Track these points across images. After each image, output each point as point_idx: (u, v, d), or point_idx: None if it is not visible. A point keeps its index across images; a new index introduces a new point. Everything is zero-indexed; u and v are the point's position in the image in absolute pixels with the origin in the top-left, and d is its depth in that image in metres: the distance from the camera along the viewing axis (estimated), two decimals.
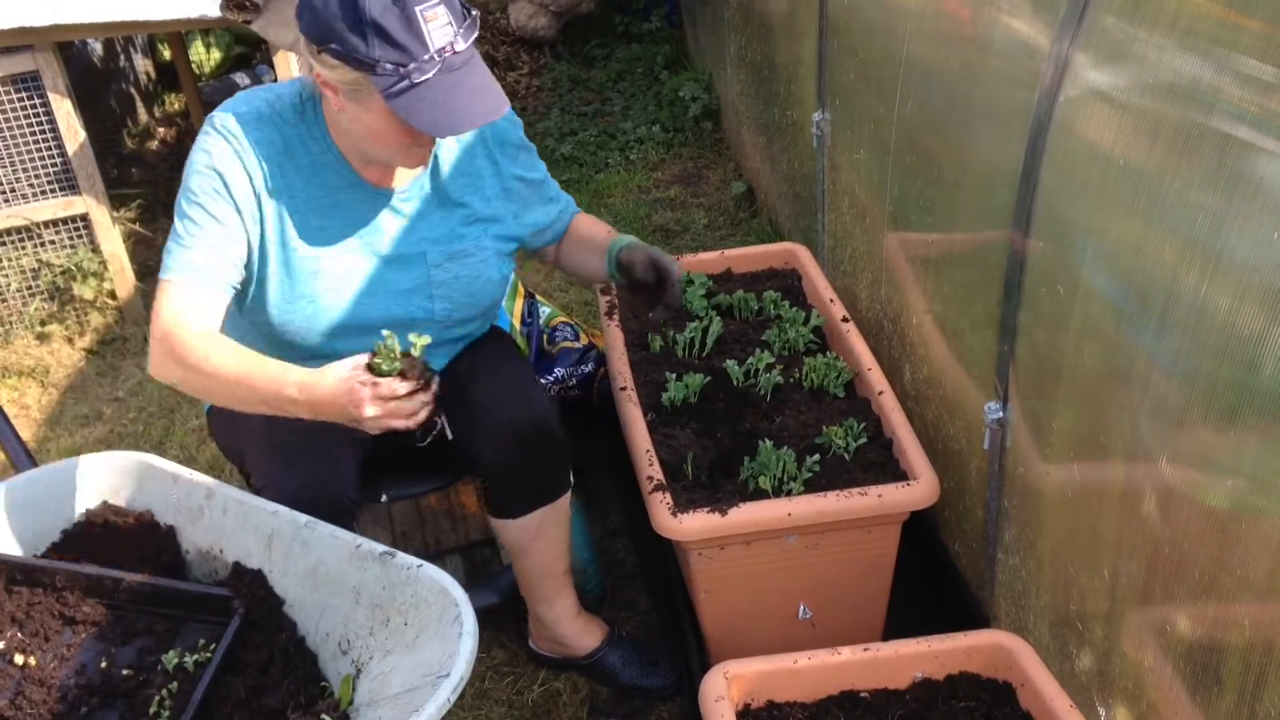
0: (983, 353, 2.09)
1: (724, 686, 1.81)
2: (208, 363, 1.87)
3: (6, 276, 3.71)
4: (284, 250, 2.05)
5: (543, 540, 2.33)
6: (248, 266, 2.04)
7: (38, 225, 3.66)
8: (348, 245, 2.09)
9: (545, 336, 3.09)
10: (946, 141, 2.24)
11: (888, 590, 2.32)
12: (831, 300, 2.71)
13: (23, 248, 3.69)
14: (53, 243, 3.70)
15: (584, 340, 3.08)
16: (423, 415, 1.80)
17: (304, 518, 1.94)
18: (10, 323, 3.77)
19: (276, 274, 2.06)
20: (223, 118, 2.01)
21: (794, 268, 2.95)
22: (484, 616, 2.61)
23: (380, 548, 1.85)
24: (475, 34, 1.90)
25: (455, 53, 1.85)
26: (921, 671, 1.86)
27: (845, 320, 2.63)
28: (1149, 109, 1.56)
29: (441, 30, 1.83)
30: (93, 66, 4.94)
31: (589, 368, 3.02)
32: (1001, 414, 2.03)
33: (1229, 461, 1.38)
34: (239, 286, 2.03)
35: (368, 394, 1.75)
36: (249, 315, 2.12)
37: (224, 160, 1.98)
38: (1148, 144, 1.54)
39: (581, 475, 2.77)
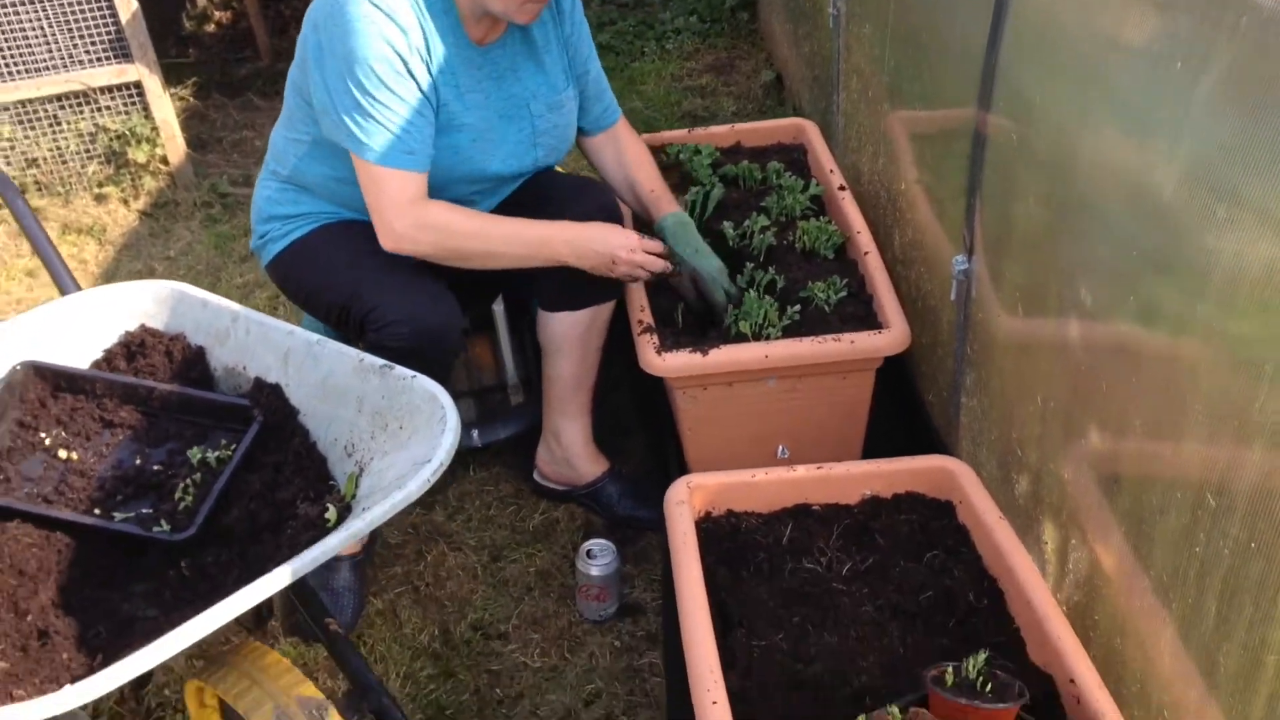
0: (955, 212, 2.21)
1: (686, 493, 1.99)
2: (481, 229, 2.24)
3: (66, 140, 3.94)
4: (439, 107, 2.22)
5: (587, 344, 2.52)
6: None
7: (94, 91, 3.86)
8: (474, 100, 2.26)
9: None
10: (928, 17, 2.33)
11: (862, 435, 2.47)
12: (831, 171, 2.83)
13: (80, 112, 3.91)
14: (108, 108, 3.91)
15: None
16: (647, 276, 2.33)
17: (315, 336, 2.13)
18: (70, 184, 4.01)
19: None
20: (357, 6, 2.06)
21: (801, 143, 3.06)
22: (493, 454, 2.85)
23: (380, 361, 2.04)
24: None
25: None
26: (871, 489, 2.03)
27: (842, 189, 2.76)
28: None
29: None
30: None
31: None
32: (967, 265, 2.15)
33: (1140, 308, 1.50)
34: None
35: (637, 242, 2.27)
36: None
37: (393, 36, 2.08)
38: (1094, 14, 1.63)
39: None
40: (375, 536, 2.63)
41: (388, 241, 2.20)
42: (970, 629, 1.77)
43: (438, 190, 2.27)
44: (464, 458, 2.86)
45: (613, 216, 2.44)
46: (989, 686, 1.55)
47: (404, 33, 2.09)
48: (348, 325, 2.35)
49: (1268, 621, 1.25)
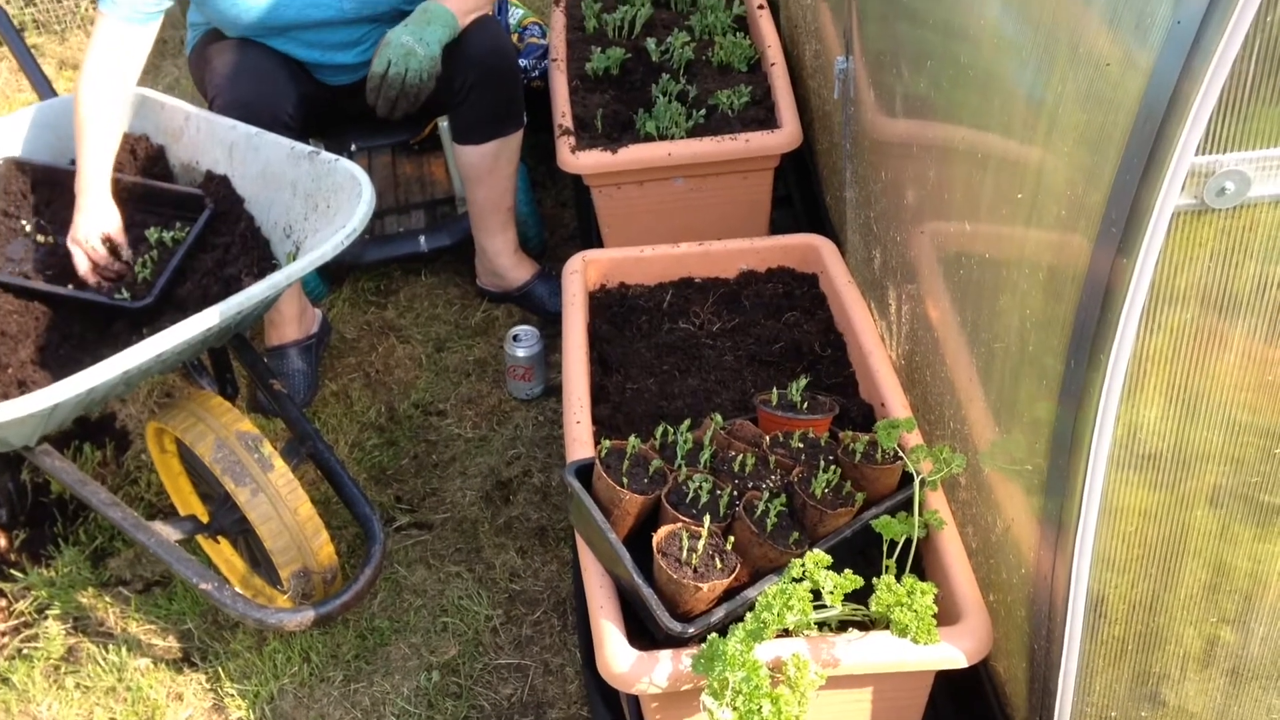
0: (840, 19, 2.40)
1: (581, 265, 2.24)
2: (79, 115, 2.34)
3: None
4: None
5: (497, 172, 2.74)
6: None
7: None
8: None
9: (516, 35, 3.43)
10: None
11: (765, 233, 2.70)
12: None
13: None
14: None
15: (549, 37, 3.41)
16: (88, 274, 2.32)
17: (253, 130, 2.38)
18: (65, 22, 4.24)
19: None
20: None
21: None
22: (444, 262, 3.11)
23: (309, 148, 2.29)
24: None
25: None
26: (747, 264, 2.27)
27: (761, 8, 2.94)
28: None
29: None
30: None
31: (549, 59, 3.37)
32: (846, 65, 2.35)
33: (974, 97, 1.70)
34: (163, 7, 2.38)
35: (91, 237, 2.30)
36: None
37: None
38: None
39: (538, 155, 3.19)
40: (329, 329, 2.91)
41: None
42: (813, 373, 2.03)
43: (252, 35, 2.55)
44: (416, 265, 3.13)
45: (503, 57, 2.60)
46: (806, 405, 1.82)
47: None
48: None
49: (992, 319, 1.50)
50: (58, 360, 2.27)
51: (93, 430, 2.71)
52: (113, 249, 2.33)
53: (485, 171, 2.73)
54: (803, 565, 1.47)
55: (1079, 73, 1.19)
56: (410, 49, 2.40)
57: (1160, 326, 1.13)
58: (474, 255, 2.97)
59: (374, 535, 2.16)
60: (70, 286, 2.34)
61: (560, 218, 3.29)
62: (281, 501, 2.08)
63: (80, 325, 2.33)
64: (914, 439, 1.73)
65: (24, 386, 2.20)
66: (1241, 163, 1.03)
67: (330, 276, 3.09)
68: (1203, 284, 1.10)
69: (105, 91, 2.36)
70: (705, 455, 1.70)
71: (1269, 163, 1.03)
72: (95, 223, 2.32)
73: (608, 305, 2.23)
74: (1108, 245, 1.12)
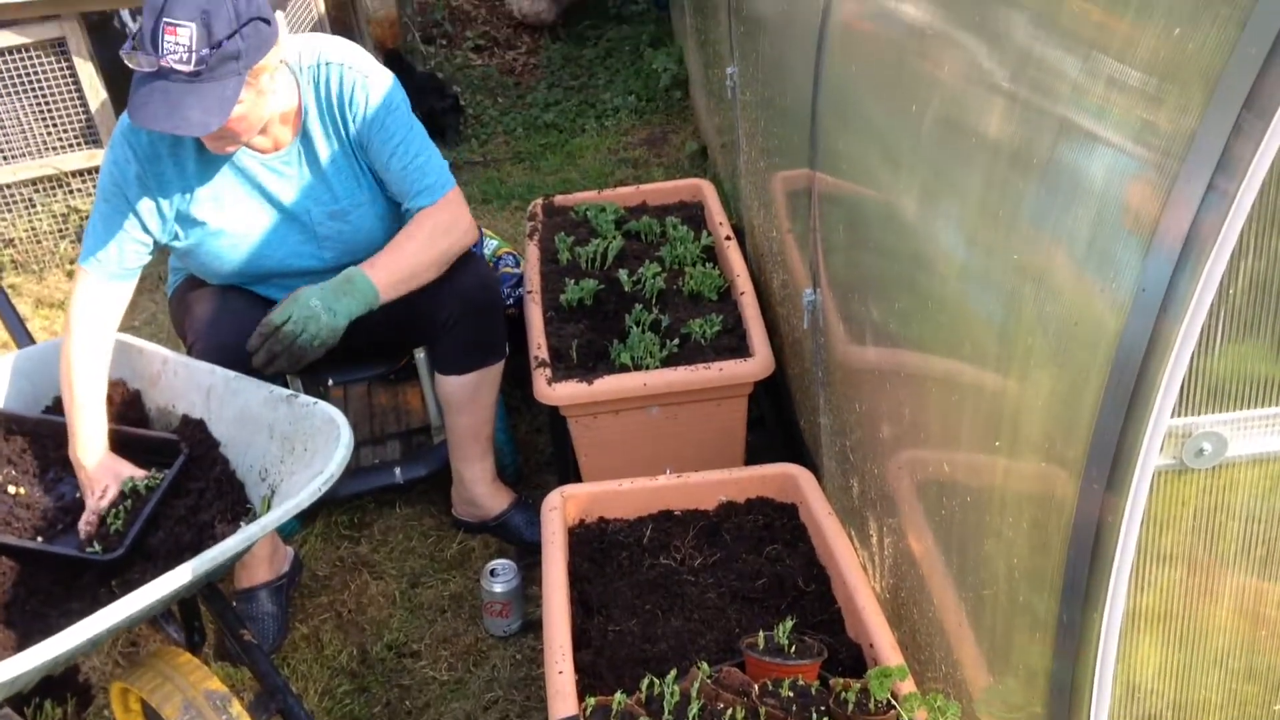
0: (806, 253, 2.48)
1: (560, 501, 2.22)
2: (65, 362, 2.39)
3: (40, 220, 4.24)
4: (189, 222, 2.50)
5: (477, 401, 2.74)
6: (156, 244, 2.49)
7: (66, 175, 4.17)
8: (243, 208, 2.52)
9: (491, 264, 3.51)
10: (779, 85, 2.63)
11: (741, 457, 2.71)
12: (721, 223, 3.11)
13: (54, 195, 4.22)
14: (79, 190, 4.22)
15: (523, 268, 3.50)
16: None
17: (232, 374, 2.39)
18: (44, 262, 4.30)
19: (186, 239, 2.52)
20: (122, 121, 2.38)
21: (699, 200, 3.35)
22: (419, 492, 3.09)
23: (286, 392, 2.29)
24: (214, 64, 2.15)
25: (175, 69, 2.13)
26: (726, 495, 2.26)
27: (728, 239, 3.03)
28: (880, 43, 1.92)
29: (173, 46, 2.13)
30: (123, 36, 5.47)
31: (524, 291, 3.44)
32: (814, 297, 2.41)
33: (902, 311, 1.75)
34: (144, 263, 2.48)
35: (94, 500, 2.29)
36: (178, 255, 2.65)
37: (120, 171, 2.39)
38: (872, 70, 1.91)
39: (513, 381, 3.21)
40: (300, 566, 2.86)
41: None
42: (798, 610, 1.99)
43: (233, 282, 2.63)
44: (391, 497, 3.10)
45: (486, 293, 2.64)
46: (794, 648, 1.77)
47: (134, 161, 2.38)
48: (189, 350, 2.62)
49: (978, 564, 1.49)
50: (23, 616, 2.20)
51: (54, 685, 2.60)
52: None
53: (466, 400, 2.74)
54: None
55: (1048, 328, 1.22)
56: (315, 314, 2.36)
57: (1150, 584, 1.12)
58: (450, 484, 2.96)
59: None
60: (39, 540, 2.30)
61: (535, 444, 3.29)
62: None
63: (47, 579, 2.27)
64: (907, 685, 1.68)
65: None
66: (1217, 424, 1.04)
67: (303, 512, 3.05)
68: (1188, 542, 1.09)
69: (91, 351, 2.40)
70: (694, 710, 1.64)
71: (1244, 423, 1.04)
72: (94, 471, 2.33)
73: (588, 541, 2.20)
74: (1091, 502, 1.12)
